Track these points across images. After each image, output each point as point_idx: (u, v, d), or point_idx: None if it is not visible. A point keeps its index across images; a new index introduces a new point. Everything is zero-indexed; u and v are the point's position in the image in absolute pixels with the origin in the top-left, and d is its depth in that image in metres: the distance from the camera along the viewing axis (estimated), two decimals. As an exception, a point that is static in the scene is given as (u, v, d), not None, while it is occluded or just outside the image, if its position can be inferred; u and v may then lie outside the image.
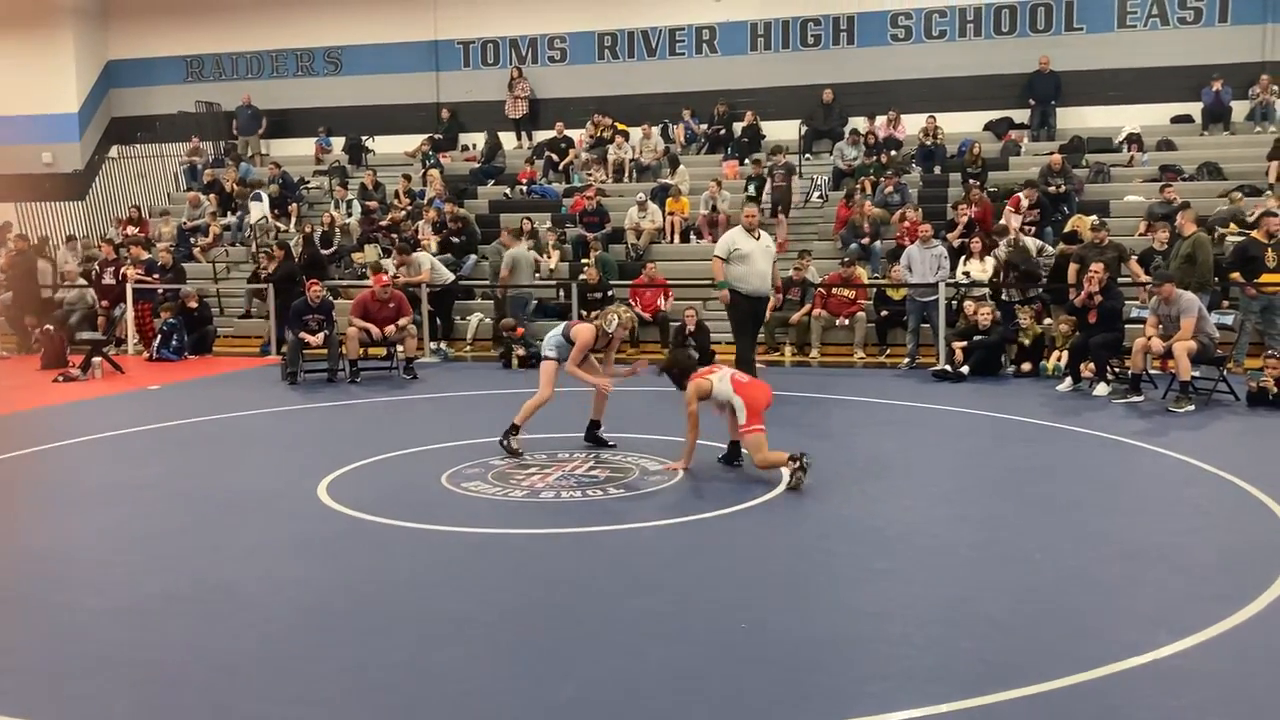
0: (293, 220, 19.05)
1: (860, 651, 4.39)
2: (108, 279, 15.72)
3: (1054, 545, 5.75)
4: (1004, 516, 6.39)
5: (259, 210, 18.81)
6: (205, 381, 12.87)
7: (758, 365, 10.90)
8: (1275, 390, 9.65)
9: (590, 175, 18.89)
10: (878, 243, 15.53)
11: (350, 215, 18.44)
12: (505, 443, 7.96)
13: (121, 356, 14.41)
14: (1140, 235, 14.37)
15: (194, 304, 15.20)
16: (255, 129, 22.06)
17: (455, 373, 13.36)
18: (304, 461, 8.02)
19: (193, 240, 18.74)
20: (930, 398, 10.57)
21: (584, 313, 14.42)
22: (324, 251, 16.89)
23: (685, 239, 17.00)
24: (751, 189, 17.00)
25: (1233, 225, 14.11)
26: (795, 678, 4.09)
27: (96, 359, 13.10)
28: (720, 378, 7.32)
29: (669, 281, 15.19)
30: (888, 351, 13.91)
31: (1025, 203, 15.10)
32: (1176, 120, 18.45)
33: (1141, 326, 10.72)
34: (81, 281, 16.53)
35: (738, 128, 19.62)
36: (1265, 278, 11.95)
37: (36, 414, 10.66)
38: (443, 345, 14.81)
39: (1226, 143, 17.65)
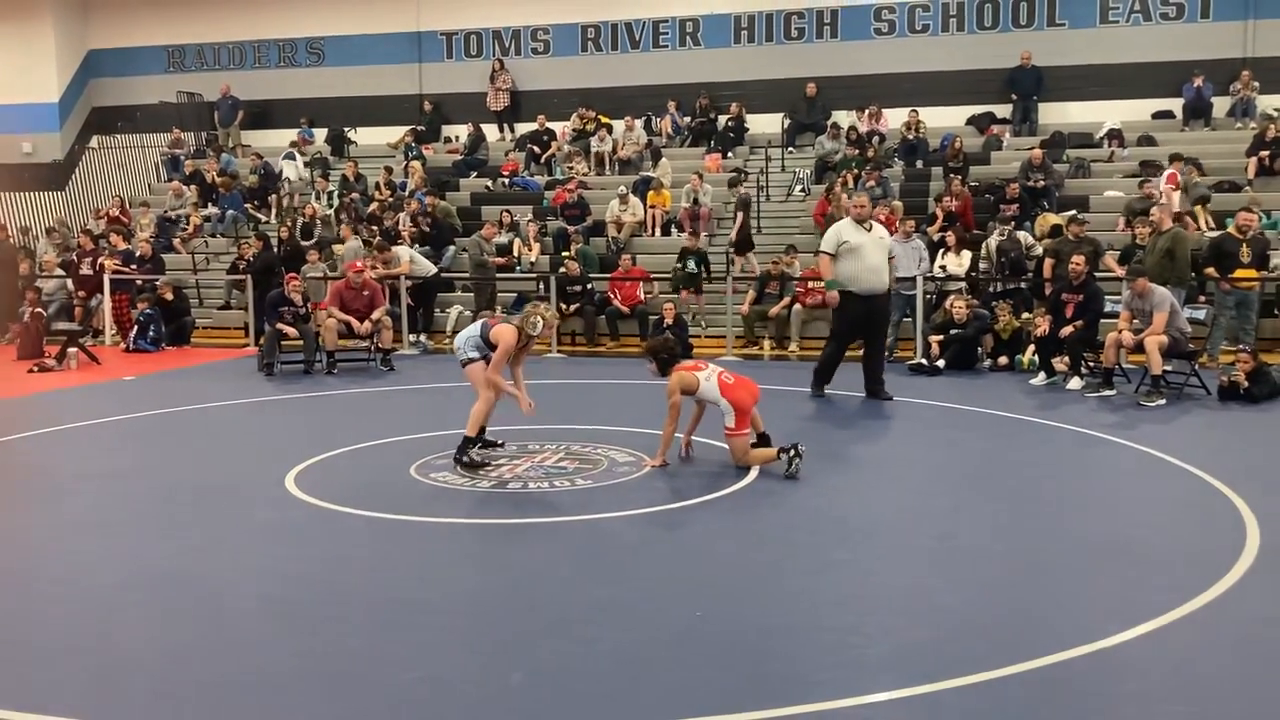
0: (273, 211, 19.01)
1: (814, 639, 4.40)
2: (85, 269, 15.64)
3: (1016, 537, 5.78)
4: (969, 509, 6.42)
5: (292, 169, 19.51)
6: (181, 373, 12.83)
7: (733, 359, 10.80)
8: (1246, 384, 9.69)
9: (572, 168, 18.88)
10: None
11: (331, 207, 18.39)
12: (463, 458, 7.18)
13: (98, 347, 14.36)
14: (1121, 230, 14.41)
15: (170, 295, 15.13)
16: (235, 120, 21.99)
17: (433, 365, 13.33)
18: (274, 452, 8.00)
19: (173, 231, 18.67)
20: (906, 391, 10.58)
21: (563, 305, 14.44)
22: (304, 243, 16.83)
23: (666, 232, 17.01)
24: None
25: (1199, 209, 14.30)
26: (748, 665, 4.11)
27: (73, 349, 13.05)
28: (707, 376, 7.33)
29: (650, 275, 15.17)
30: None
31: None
32: (1158, 116, 18.52)
33: (1115, 321, 10.76)
34: (59, 272, 16.44)
35: (721, 120, 19.60)
36: (1239, 273, 12.01)
37: (11, 404, 10.62)
38: (422, 338, 14.78)
39: (1207, 138, 17.70)
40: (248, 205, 19.07)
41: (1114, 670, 4.03)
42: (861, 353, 10.40)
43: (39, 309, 14.49)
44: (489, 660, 4.20)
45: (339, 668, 4.12)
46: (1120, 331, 10.21)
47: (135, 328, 14.57)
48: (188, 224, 18.76)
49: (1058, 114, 18.79)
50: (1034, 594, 4.91)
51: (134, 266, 15.80)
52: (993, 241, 13.60)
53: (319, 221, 17.61)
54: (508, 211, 16.95)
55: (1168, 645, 4.26)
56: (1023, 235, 13.99)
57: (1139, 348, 10.08)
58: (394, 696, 3.88)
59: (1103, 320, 10.99)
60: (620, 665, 4.14)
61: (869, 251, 9.70)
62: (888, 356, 12.64)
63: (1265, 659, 4.16)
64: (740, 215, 15.91)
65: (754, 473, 7.10)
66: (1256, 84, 17.80)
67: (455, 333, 14.97)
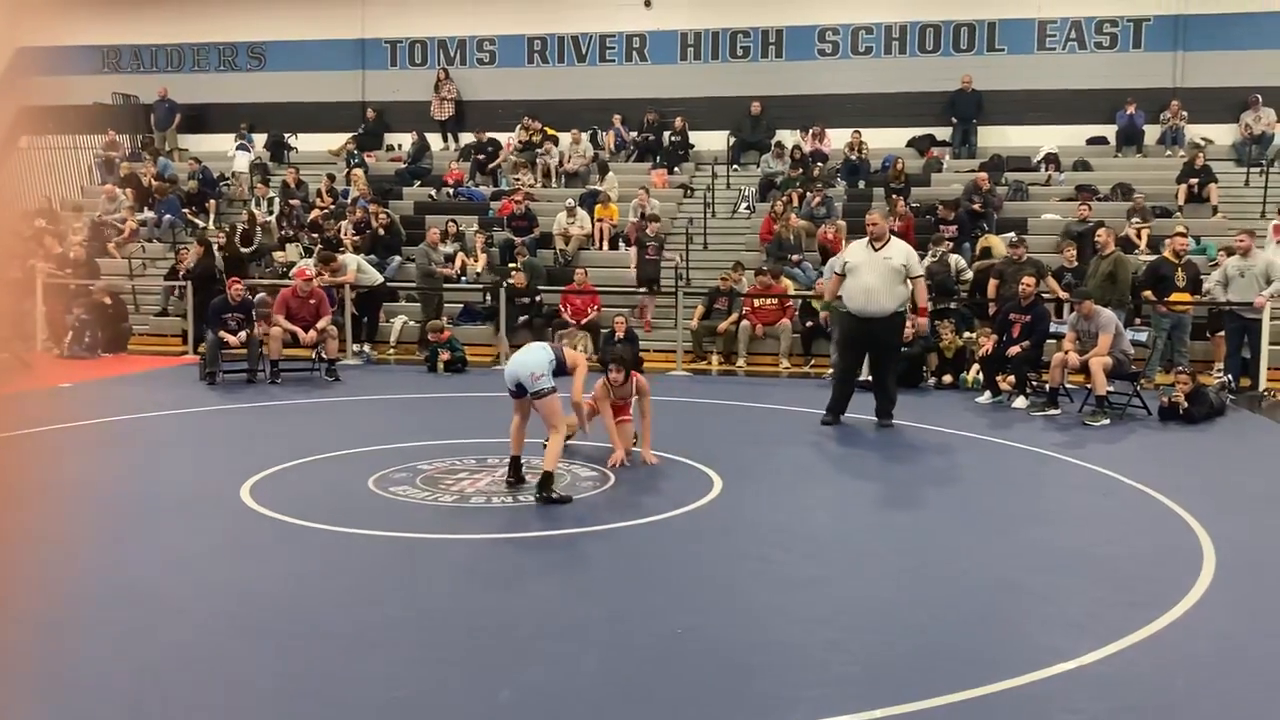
0: (210, 217, 18.66)
1: (794, 657, 4.42)
2: (14, 272, 15.20)
3: (980, 553, 5.87)
4: (930, 525, 6.50)
5: (244, 160, 19.50)
6: (120, 380, 12.52)
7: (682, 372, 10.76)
8: (1186, 405, 9.96)
9: (519, 179, 18.81)
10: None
11: (271, 213, 18.11)
12: (549, 496, 6.68)
13: (31, 353, 13.94)
14: (1057, 252, 14.74)
15: (108, 300, 14.77)
16: (171, 123, 21.57)
17: (378, 375, 13.19)
18: (226, 463, 7.84)
19: (107, 235, 18.22)
20: (853, 408, 10.67)
21: (514, 318, 14.37)
22: (244, 250, 16.56)
23: (614, 246, 17.00)
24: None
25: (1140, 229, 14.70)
26: (729, 683, 4.11)
27: (3, 355, 12.64)
28: None
29: (597, 288, 15.16)
30: (812, 362, 14.06)
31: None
32: (1092, 141, 18.99)
33: (1059, 342, 11.00)
34: (-12, 275, 15.94)
35: (666, 136, 19.70)
36: (1175, 296, 12.35)
37: (-60, 411, 10.25)
38: (366, 348, 14.60)
39: (1139, 164, 18.22)
40: (185, 210, 18.69)
41: (1093, 687, 4.10)
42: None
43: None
44: (471, 679, 4.15)
45: (317, 688, 4.04)
46: (1066, 352, 10.43)
47: (70, 333, 14.19)
48: (123, 228, 18.32)
49: (997, 137, 19.18)
50: (1005, 609, 4.99)
51: (68, 270, 15.39)
52: (927, 263, 13.80)
53: (259, 229, 17.34)
54: (453, 221, 16.83)
55: (1142, 662, 4.35)
56: (955, 258, 14.23)
57: (1082, 368, 10.31)
58: (379, 717, 3.82)
59: (1047, 340, 11.23)
60: (604, 683, 4.11)
61: (864, 272, 9.45)
62: (834, 374, 12.80)
63: (1235, 675, 4.26)
64: (635, 251, 15.64)
65: (718, 487, 7.13)
66: (1185, 113, 18.36)
67: (399, 343, 14.89)
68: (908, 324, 10.65)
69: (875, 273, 9.46)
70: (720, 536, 6.18)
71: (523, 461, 7.18)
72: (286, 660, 4.29)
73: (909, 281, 9.65)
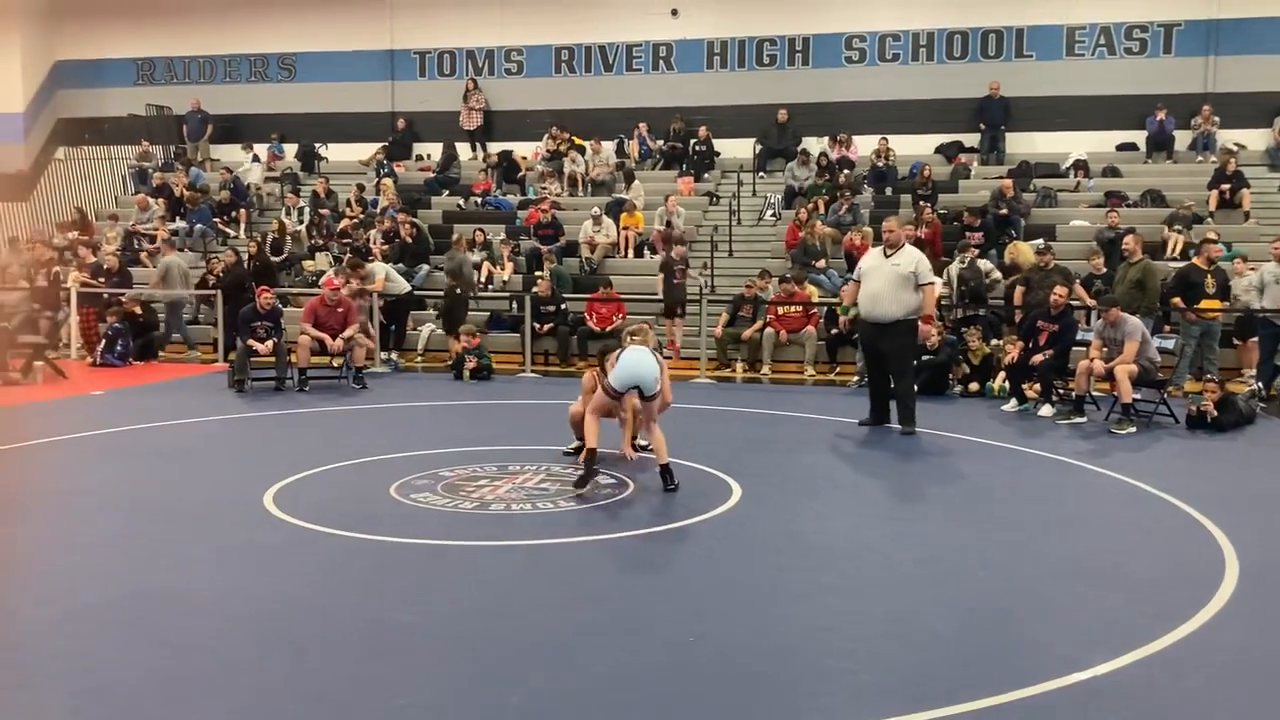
0: (241, 227, 18.87)
1: (806, 665, 4.41)
2: (41, 281, 15.38)
3: (997, 562, 5.84)
4: (949, 533, 6.47)
5: (257, 172, 19.91)
6: (150, 388, 12.67)
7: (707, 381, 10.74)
8: (1214, 414, 9.85)
9: (545, 188, 18.90)
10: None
11: (301, 223, 18.30)
12: (673, 484, 7.19)
13: (65, 361, 14.15)
14: (1086, 259, 14.62)
15: (138, 310, 14.96)
16: (204, 134, 21.85)
17: (405, 383, 13.27)
18: (250, 470, 7.92)
19: (139, 244, 18.47)
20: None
21: (536, 325, 14.43)
22: (274, 258, 16.73)
23: (640, 254, 17.05)
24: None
25: (1175, 237, 14.52)
26: (741, 691, 4.11)
27: (38, 363, 12.85)
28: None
29: (622, 296, 15.20)
30: (837, 369, 14.03)
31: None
32: (1122, 148, 18.86)
33: (1086, 349, 10.91)
34: (24, 284, 16.19)
35: (692, 145, 19.72)
36: (1204, 303, 12.22)
37: (-26, 418, 10.44)
38: (393, 355, 14.70)
39: (1169, 171, 18.06)
40: (217, 220, 18.92)
41: (1107, 699, 4.07)
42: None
43: (3, 322, 14.26)
44: (482, 685, 4.17)
45: (329, 693, 4.07)
46: (1091, 360, 10.35)
47: (103, 342, 14.38)
48: (155, 238, 18.55)
49: (1025, 144, 19.09)
50: (1020, 619, 4.96)
51: (101, 280, 15.61)
52: (954, 269, 13.75)
53: (289, 237, 17.51)
54: (480, 230, 16.93)
55: (1158, 674, 4.31)
56: (983, 263, 14.17)
57: (1108, 376, 10.23)
58: (390, 721, 3.85)
59: (1073, 348, 11.14)
60: (615, 690, 4.12)
61: (872, 277, 9.62)
62: (858, 382, 12.74)
63: (1254, 688, 4.22)
64: (661, 276, 15.24)
65: (737, 495, 7.14)
66: (1217, 119, 18.20)
67: (426, 351, 14.97)
68: (934, 332, 10.65)
69: (882, 278, 9.59)
70: (736, 544, 6.18)
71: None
72: (297, 664, 4.33)
73: (920, 289, 9.62)
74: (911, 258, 9.66)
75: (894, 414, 9.87)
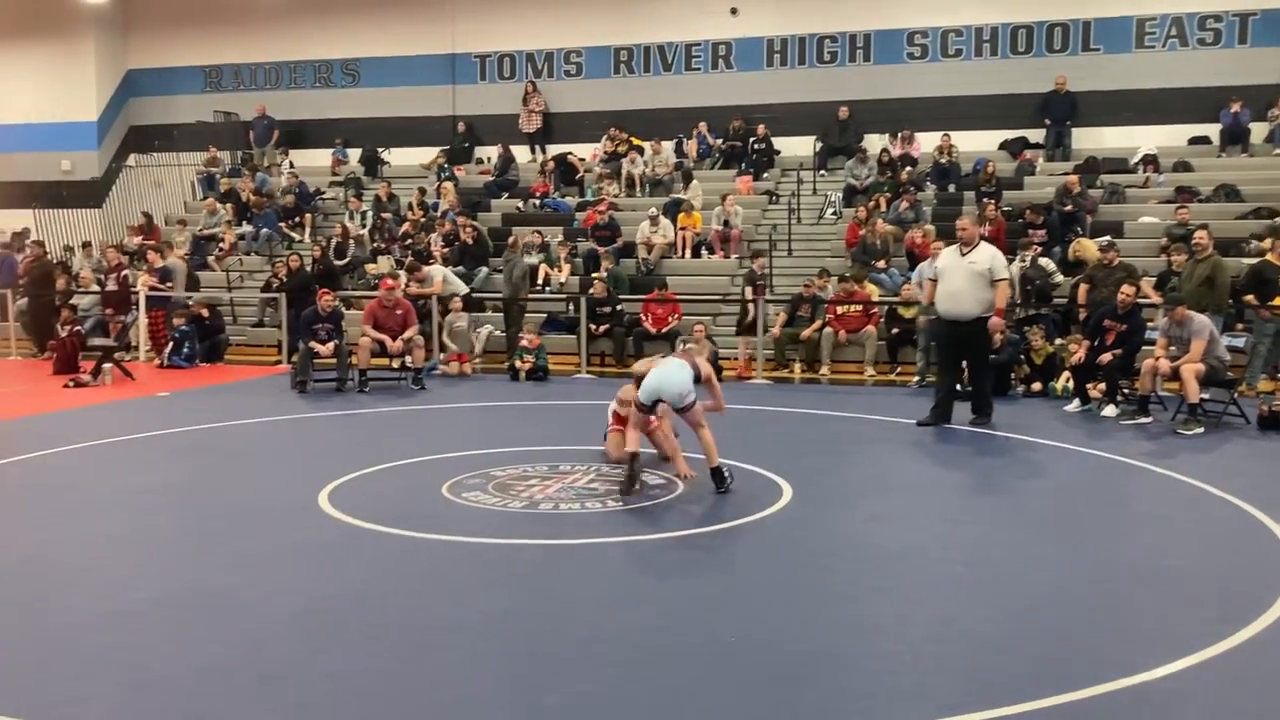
0: (307, 231, 19.17)
1: (849, 668, 4.35)
2: (111, 285, 15.76)
3: (1052, 565, 5.71)
4: (1005, 536, 6.35)
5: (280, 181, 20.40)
6: (215, 389, 12.92)
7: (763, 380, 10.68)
8: (1286, 414, 9.56)
9: (602, 189, 18.93)
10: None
11: (364, 226, 18.54)
12: (726, 486, 7.15)
13: (133, 363, 14.49)
14: (1155, 257, 14.28)
15: (205, 312, 15.26)
16: (269, 140, 22.24)
17: (462, 384, 13.37)
18: (307, 470, 8.02)
19: (208, 249, 18.87)
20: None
21: (592, 326, 14.45)
22: (338, 262, 16.97)
23: (696, 254, 17.01)
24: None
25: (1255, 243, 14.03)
26: (782, 693, 4.06)
27: (108, 365, 13.17)
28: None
29: (678, 297, 15.15)
30: (898, 370, 13.85)
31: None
32: (1194, 141, 18.38)
33: (1152, 348, 10.64)
34: (95, 288, 16.62)
35: (751, 143, 19.62)
36: (1279, 300, 11.85)
37: (46, 419, 10.72)
38: (442, 356, 14.79)
39: (1244, 165, 17.55)
40: (282, 224, 19.25)
41: (1159, 705, 3.95)
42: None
43: (76, 325, 14.65)
44: (522, 683, 4.18)
45: (372, 689, 4.10)
46: (1157, 359, 10.10)
47: (170, 344, 14.70)
48: (223, 242, 18.94)
49: (1092, 139, 18.68)
50: (1072, 622, 4.84)
51: (170, 283, 15.94)
52: (1015, 268, 13.49)
53: (353, 241, 17.75)
54: (538, 232, 17.01)
55: (1213, 680, 4.18)
56: (1045, 262, 13.89)
57: (1174, 375, 9.97)
58: (430, 718, 3.87)
59: (1141, 348, 10.87)
60: (655, 690, 4.10)
61: (949, 276, 9.70)
62: (919, 382, 12.64)
63: (1312, 695, 4.07)
64: (750, 291, 14.73)
65: (787, 496, 7.07)
66: (1295, 110, 17.64)
67: (484, 352, 15.05)
68: (1003, 326, 10.55)
69: (960, 277, 9.67)
70: (783, 545, 6.12)
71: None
72: (344, 660, 4.37)
73: (994, 285, 9.67)
74: (987, 255, 9.73)
75: (953, 413, 9.83)
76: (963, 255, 9.74)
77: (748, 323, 14.17)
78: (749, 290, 14.72)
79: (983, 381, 10.10)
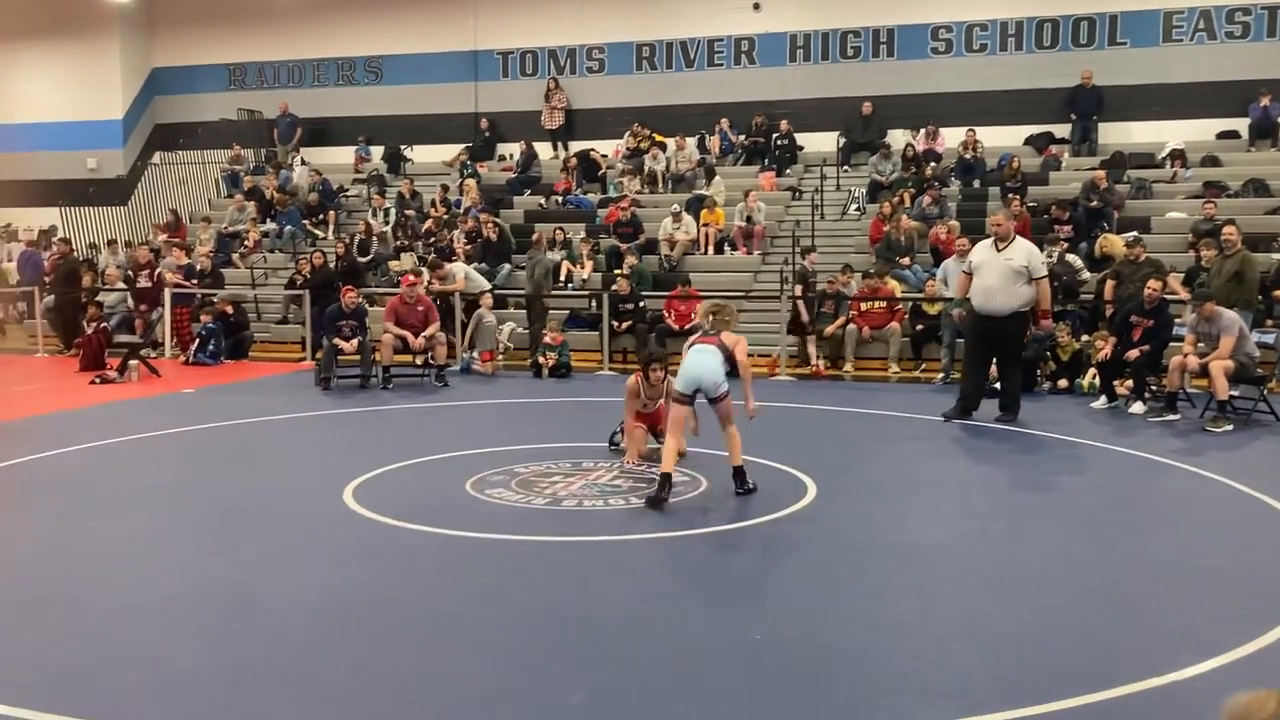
0: (330, 228, 19.24)
1: (874, 665, 4.33)
2: (142, 282, 15.86)
3: (1080, 563, 5.66)
4: (1032, 533, 6.29)
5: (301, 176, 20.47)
6: (240, 386, 12.99)
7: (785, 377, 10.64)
8: (1317, 411, 9.44)
9: (625, 186, 18.90)
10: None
11: (387, 224, 18.59)
12: (747, 487, 6.99)
13: (158, 360, 14.58)
14: (1183, 252, 14.15)
15: (230, 309, 15.34)
16: (293, 137, 22.33)
17: (485, 381, 13.38)
18: (331, 466, 8.05)
19: (232, 246, 18.96)
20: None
21: (615, 323, 14.44)
22: (361, 259, 17.02)
23: (720, 250, 16.96)
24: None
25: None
26: (808, 689, 4.04)
27: (133, 362, 13.26)
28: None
29: (701, 293, 15.11)
30: (923, 366, 13.78)
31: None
32: (1222, 136, 18.16)
33: (1180, 344, 10.54)
34: (121, 285, 16.74)
35: (774, 139, 19.55)
36: (1310, 296, 11.72)
37: (73, 415, 10.79)
38: (475, 353, 14.81)
39: (1274, 159, 17.31)
40: (306, 221, 19.32)
41: (1188, 705, 3.91)
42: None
43: (101, 322, 14.75)
44: (546, 678, 4.17)
45: (396, 684, 4.11)
46: (1185, 355, 9.99)
47: (195, 341, 14.79)
48: (247, 239, 19.03)
49: (1118, 134, 18.49)
50: (1100, 621, 4.79)
51: (194, 281, 16.04)
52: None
53: (376, 238, 17.80)
54: (560, 229, 17.01)
55: (1243, 680, 4.11)
56: (1071, 258, 13.77)
57: (1203, 372, 9.86)
58: (451, 715, 3.86)
59: (1169, 344, 10.76)
60: (680, 686, 4.09)
61: (985, 272, 9.63)
62: (943, 379, 12.58)
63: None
64: (800, 289, 14.44)
65: (812, 493, 7.04)
66: (1326, 104, 17.42)
67: (507, 349, 15.07)
68: (1053, 326, 10.54)
69: (995, 273, 9.61)
70: (808, 543, 6.09)
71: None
72: (365, 656, 4.38)
73: (1033, 283, 9.62)
74: (1024, 251, 9.68)
75: (980, 408, 9.81)
76: (998, 251, 9.69)
77: (803, 321, 14.06)
78: (799, 288, 14.59)
79: (1014, 379, 10.06)
